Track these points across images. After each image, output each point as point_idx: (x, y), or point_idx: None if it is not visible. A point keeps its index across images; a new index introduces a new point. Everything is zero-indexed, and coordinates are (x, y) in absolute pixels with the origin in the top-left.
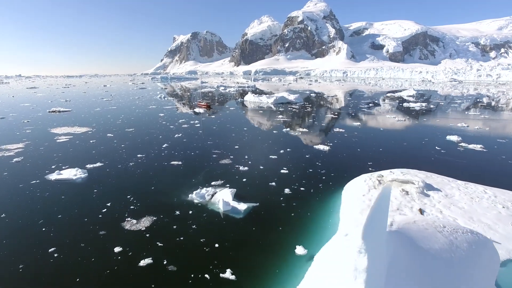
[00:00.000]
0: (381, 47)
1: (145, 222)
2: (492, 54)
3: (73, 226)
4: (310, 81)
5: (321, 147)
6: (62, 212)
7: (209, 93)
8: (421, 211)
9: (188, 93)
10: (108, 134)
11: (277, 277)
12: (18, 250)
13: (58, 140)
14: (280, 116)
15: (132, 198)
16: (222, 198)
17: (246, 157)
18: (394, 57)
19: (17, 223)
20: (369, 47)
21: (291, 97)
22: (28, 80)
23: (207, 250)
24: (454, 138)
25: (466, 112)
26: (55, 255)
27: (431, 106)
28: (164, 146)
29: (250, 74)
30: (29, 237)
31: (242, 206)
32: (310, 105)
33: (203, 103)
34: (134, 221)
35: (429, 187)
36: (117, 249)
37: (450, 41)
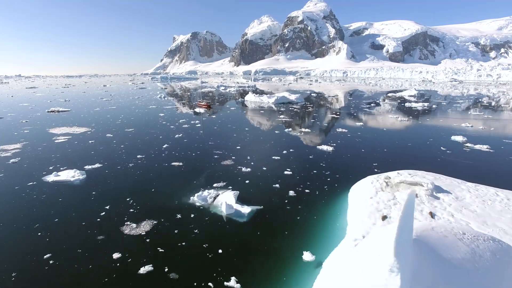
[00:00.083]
0: (381, 47)
1: (145, 226)
2: (492, 54)
3: (70, 230)
4: (310, 81)
5: (325, 147)
6: (59, 216)
7: (209, 93)
8: (432, 215)
9: (188, 93)
10: (108, 134)
11: (284, 285)
12: (11, 256)
13: (56, 141)
14: (282, 116)
15: (131, 201)
16: (225, 201)
17: (248, 158)
18: (394, 57)
19: (11, 227)
20: (369, 47)
21: (292, 97)
22: (28, 80)
23: (210, 256)
24: (459, 138)
25: (469, 112)
26: (50, 261)
27: (433, 106)
28: (164, 146)
29: (250, 74)
30: (23, 242)
31: (246, 209)
32: (312, 105)
33: (203, 103)
34: (134, 225)
35: (439, 189)
36: (115, 255)
37: (450, 41)
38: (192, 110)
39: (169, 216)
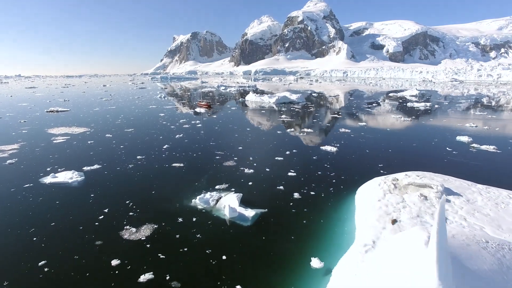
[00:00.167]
0: (381, 47)
1: (145, 231)
2: (492, 54)
3: (66, 235)
4: (310, 81)
5: (328, 148)
6: (56, 220)
7: (210, 93)
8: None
9: (188, 93)
10: (107, 135)
11: None
12: (3, 263)
13: (54, 141)
14: (283, 116)
15: (131, 204)
16: (228, 204)
17: (250, 158)
18: (394, 57)
19: (5, 232)
20: (369, 47)
21: (293, 97)
22: (28, 80)
23: (213, 263)
24: (464, 138)
25: (472, 112)
26: (45, 269)
27: (436, 106)
28: (165, 147)
29: (250, 74)
30: (17, 248)
31: (250, 213)
32: (313, 105)
33: (203, 103)
34: (134, 229)
35: (449, 191)
36: (114, 262)
37: (450, 41)
38: (192, 110)
39: (170, 219)
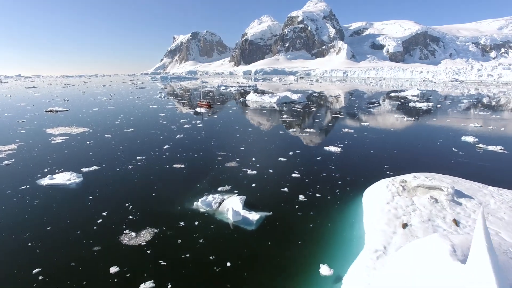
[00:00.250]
0: (381, 47)
1: (146, 236)
2: (492, 54)
3: (63, 240)
4: (310, 81)
5: (332, 148)
6: (52, 223)
7: (210, 92)
8: (456, 222)
9: (189, 93)
10: (106, 135)
11: None
12: None
13: (53, 141)
14: (285, 116)
15: (131, 207)
16: (231, 206)
17: (253, 159)
18: (394, 57)
19: None
20: (369, 47)
21: (294, 97)
22: (27, 80)
23: (217, 270)
24: (470, 139)
25: (475, 112)
26: (40, 277)
27: (438, 105)
28: (165, 147)
29: (250, 74)
30: (10, 254)
31: (254, 216)
32: (314, 105)
33: (204, 103)
34: (133, 234)
35: (459, 193)
36: (113, 269)
37: (450, 41)
38: (192, 110)
39: (172, 223)
